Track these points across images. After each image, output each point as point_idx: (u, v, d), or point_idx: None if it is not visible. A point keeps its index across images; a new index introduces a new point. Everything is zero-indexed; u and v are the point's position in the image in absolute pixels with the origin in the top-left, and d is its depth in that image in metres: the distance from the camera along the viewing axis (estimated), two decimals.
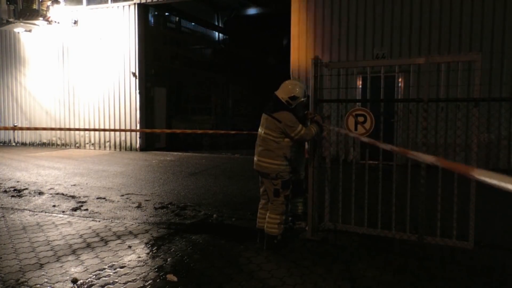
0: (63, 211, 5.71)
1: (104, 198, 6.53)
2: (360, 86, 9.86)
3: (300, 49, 11.30)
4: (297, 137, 4.04)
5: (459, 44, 9.81)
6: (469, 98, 4.97)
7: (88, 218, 5.35)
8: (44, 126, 14.62)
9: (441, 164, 1.43)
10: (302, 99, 4.15)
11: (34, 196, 6.67)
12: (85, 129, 14.05)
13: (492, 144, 9.34)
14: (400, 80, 9.68)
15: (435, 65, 4.26)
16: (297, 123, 4.04)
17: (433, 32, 10.01)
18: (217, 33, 20.90)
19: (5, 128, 15.36)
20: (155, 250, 4.16)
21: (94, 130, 14.07)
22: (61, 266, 3.73)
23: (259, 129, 4.25)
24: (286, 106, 4.08)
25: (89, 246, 4.28)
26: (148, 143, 13.99)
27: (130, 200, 6.45)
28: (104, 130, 13.96)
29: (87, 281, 3.43)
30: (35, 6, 12.99)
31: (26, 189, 7.23)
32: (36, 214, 5.55)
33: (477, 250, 4.10)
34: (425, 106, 4.22)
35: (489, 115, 9.26)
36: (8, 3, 12.80)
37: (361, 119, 4.46)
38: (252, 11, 19.40)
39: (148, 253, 4.08)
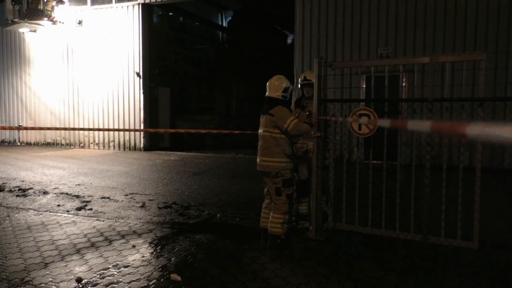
0: (68, 211, 5.73)
1: (108, 198, 6.56)
2: (364, 86, 9.82)
3: (304, 48, 11.29)
4: (289, 128, 4.05)
5: (464, 44, 9.76)
6: (474, 97, 4.93)
7: (92, 218, 5.37)
8: (48, 126, 14.69)
9: (434, 127, 1.45)
10: (291, 86, 4.34)
11: (39, 196, 6.70)
12: (89, 129, 14.10)
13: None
14: (404, 79, 9.64)
15: (439, 65, 4.24)
16: (288, 115, 4.13)
17: (438, 31, 9.97)
18: (221, 33, 20.92)
19: (10, 128, 15.45)
20: (159, 250, 4.17)
21: (98, 130, 14.12)
22: (65, 266, 3.75)
23: (259, 130, 4.31)
24: (281, 101, 4.22)
25: (93, 245, 4.29)
26: (152, 143, 14.02)
27: (134, 199, 6.46)
28: (108, 130, 14.01)
29: (91, 280, 3.44)
30: (40, 6, 13.06)
31: (31, 188, 7.27)
32: (41, 214, 5.57)
33: (482, 250, 4.07)
34: (430, 105, 4.20)
35: (494, 115, 9.20)
36: (13, 3, 12.88)
37: (365, 118, 4.44)
38: (256, 11, 19.40)
39: (152, 253, 4.09)
